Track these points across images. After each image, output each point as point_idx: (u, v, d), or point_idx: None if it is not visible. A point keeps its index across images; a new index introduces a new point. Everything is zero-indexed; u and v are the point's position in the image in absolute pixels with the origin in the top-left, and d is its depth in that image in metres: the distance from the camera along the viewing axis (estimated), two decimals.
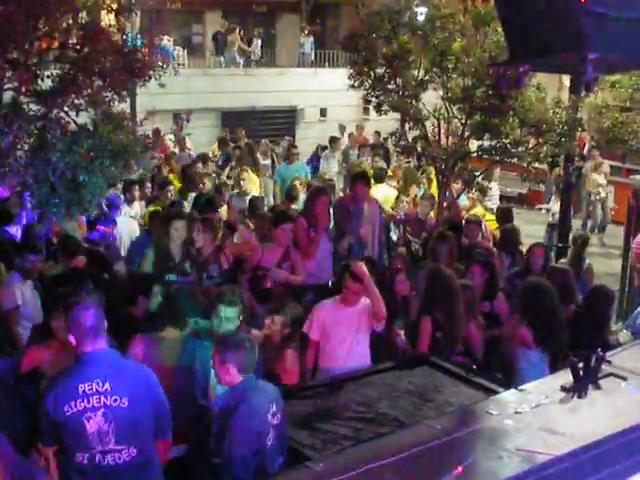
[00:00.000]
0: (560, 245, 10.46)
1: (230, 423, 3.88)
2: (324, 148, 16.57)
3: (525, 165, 9.59)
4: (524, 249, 8.32)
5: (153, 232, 7.88)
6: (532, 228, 13.21)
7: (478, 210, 10.48)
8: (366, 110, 20.10)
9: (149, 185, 10.89)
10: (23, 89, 6.85)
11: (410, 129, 10.17)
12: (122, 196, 9.90)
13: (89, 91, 7.01)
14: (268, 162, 15.02)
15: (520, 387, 3.41)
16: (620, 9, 5.57)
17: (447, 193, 10.13)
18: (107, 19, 7.89)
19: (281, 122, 22.43)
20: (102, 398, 3.88)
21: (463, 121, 9.59)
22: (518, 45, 6.86)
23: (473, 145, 10.48)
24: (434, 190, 11.07)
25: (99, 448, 3.88)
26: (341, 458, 3.26)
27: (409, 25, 9.66)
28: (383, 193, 11.17)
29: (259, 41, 24.38)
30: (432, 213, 9.92)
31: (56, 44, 7.23)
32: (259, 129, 20.27)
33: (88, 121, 7.06)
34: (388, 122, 13.01)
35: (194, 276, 6.99)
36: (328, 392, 5.27)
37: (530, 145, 9.42)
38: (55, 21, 7.08)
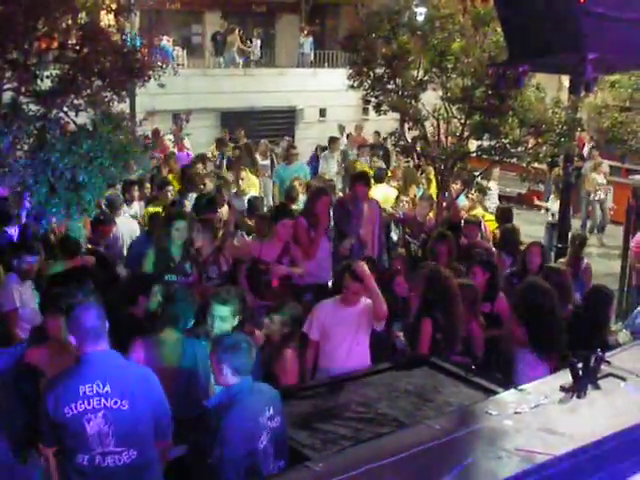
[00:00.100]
0: (560, 245, 10.47)
1: (221, 424, 3.86)
2: (324, 148, 16.56)
3: (524, 165, 9.60)
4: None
5: (153, 233, 7.88)
6: (532, 228, 13.22)
7: (478, 211, 10.49)
8: (365, 110, 20.10)
9: (148, 185, 10.89)
10: (23, 89, 6.85)
11: (409, 129, 10.18)
12: (121, 196, 9.90)
13: (88, 91, 7.02)
14: (267, 162, 15.02)
15: (519, 387, 3.41)
16: (620, 9, 5.57)
17: (446, 193, 10.14)
18: (106, 19, 7.88)
19: (280, 122, 22.43)
20: (102, 400, 3.88)
21: (462, 121, 9.60)
22: (517, 45, 6.85)
23: (472, 145, 10.49)
24: (433, 190, 11.07)
25: (99, 450, 3.88)
26: (341, 458, 3.26)
27: (408, 25, 9.66)
28: (383, 193, 11.18)
29: (258, 41, 24.37)
30: (431, 214, 9.92)
31: (55, 44, 7.23)
32: (258, 129, 20.27)
33: (87, 121, 7.05)
34: (387, 122, 13.01)
35: (194, 277, 6.99)
36: (328, 392, 5.27)
37: (529, 145, 9.43)
38: (55, 21, 7.08)
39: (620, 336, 7.14)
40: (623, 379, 3.35)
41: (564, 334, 5.94)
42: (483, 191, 10.90)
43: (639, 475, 2.83)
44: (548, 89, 9.99)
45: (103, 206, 8.92)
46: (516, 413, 3.09)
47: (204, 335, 5.11)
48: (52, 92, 6.94)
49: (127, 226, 9.09)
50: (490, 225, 9.90)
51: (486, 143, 9.73)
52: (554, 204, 12.31)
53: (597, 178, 14.93)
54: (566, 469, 2.71)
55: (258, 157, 15.10)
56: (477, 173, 10.35)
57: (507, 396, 3.45)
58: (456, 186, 10.41)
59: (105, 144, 6.74)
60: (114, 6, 7.92)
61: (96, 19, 7.72)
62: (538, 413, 3.08)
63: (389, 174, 13.09)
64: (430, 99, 9.92)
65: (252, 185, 12.07)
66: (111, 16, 7.88)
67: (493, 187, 12.58)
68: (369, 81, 9.76)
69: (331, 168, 15.67)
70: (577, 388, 3.22)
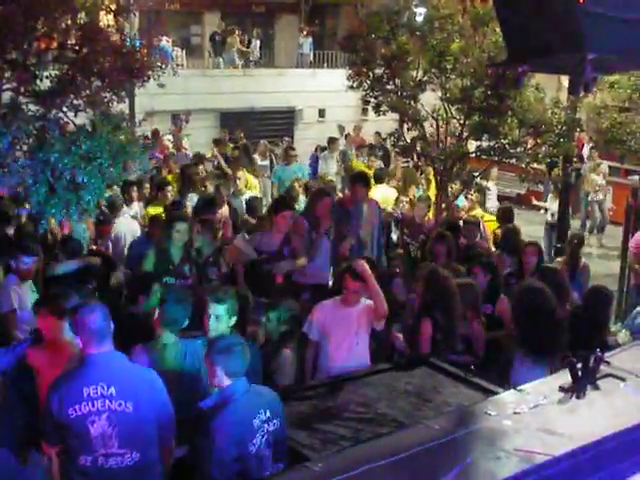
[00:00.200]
0: (559, 245, 10.47)
1: (211, 425, 3.85)
2: (323, 149, 16.58)
3: (524, 165, 9.61)
4: None
5: (153, 234, 7.87)
6: (531, 228, 13.21)
7: (477, 211, 10.49)
8: (365, 111, 20.10)
9: (147, 186, 10.89)
10: (22, 89, 6.85)
11: (409, 130, 10.19)
12: (121, 197, 9.90)
13: (88, 92, 7.02)
14: (267, 163, 15.04)
15: (519, 387, 3.41)
16: (619, 9, 5.57)
17: (447, 193, 10.15)
18: (106, 20, 7.88)
19: (280, 123, 22.44)
20: (107, 402, 3.88)
21: (462, 121, 9.61)
22: (516, 45, 6.85)
23: (472, 146, 10.49)
24: (433, 191, 11.08)
25: (102, 451, 3.88)
26: (340, 458, 3.26)
27: (408, 26, 9.67)
28: (383, 194, 11.18)
29: (257, 42, 24.38)
30: (430, 214, 9.93)
31: (55, 44, 7.23)
32: (258, 130, 20.27)
33: (87, 122, 7.06)
34: (387, 123, 13.02)
35: (193, 279, 6.98)
36: (327, 392, 5.27)
37: (528, 145, 9.44)
38: (54, 21, 7.08)
39: (619, 336, 7.14)
40: (622, 379, 3.35)
41: (563, 337, 5.91)
42: (482, 191, 10.90)
43: (638, 475, 2.83)
44: (547, 89, 10.00)
45: (103, 207, 8.92)
46: (515, 413, 3.09)
47: (203, 336, 5.10)
48: (51, 92, 6.94)
49: (129, 227, 9.09)
50: (490, 226, 9.89)
51: (485, 143, 9.74)
52: (553, 204, 12.31)
53: (596, 179, 14.94)
54: (565, 469, 2.71)
55: (257, 157, 15.12)
56: (476, 174, 10.35)
57: (506, 396, 3.45)
58: (455, 186, 10.41)
59: (104, 144, 6.75)
60: (113, 6, 7.93)
61: (95, 19, 7.73)
62: (537, 413, 3.08)
63: (389, 174, 13.10)
64: (429, 99, 9.92)
65: (252, 186, 12.08)
66: (110, 16, 7.88)
67: (492, 187, 12.59)
68: (368, 81, 9.77)
69: (330, 168, 15.68)
70: (576, 388, 3.22)
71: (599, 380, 3.31)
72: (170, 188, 10.24)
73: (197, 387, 4.77)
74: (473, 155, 10.23)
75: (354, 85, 9.93)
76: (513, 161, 9.76)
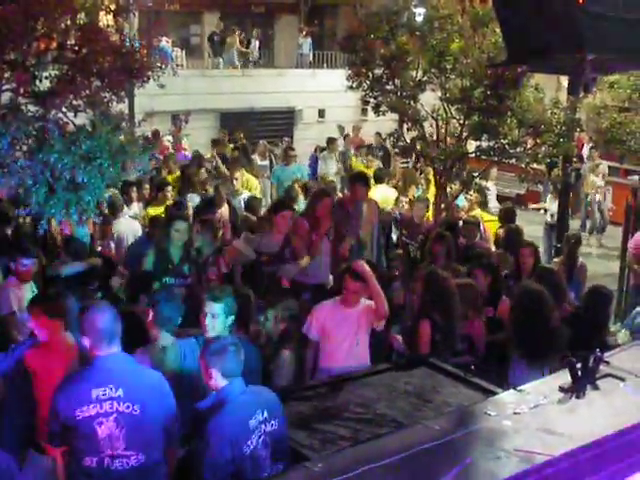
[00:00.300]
0: (558, 245, 10.47)
1: (206, 426, 3.84)
2: (322, 149, 16.59)
3: (523, 166, 9.61)
4: None
5: (153, 235, 7.88)
6: (531, 228, 13.18)
7: (476, 212, 10.49)
8: (364, 111, 20.11)
9: (147, 187, 10.90)
10: (21, 90, 6.84)
11: (408, 130, 10.19)
12: (120, 197, 9.90)
13: (87, 92, 7.01)
14: (266, 163, 15.05)
15: (518, 388, 3.41)
16: (618, 9, 5.57)
17: (446, 194, 10.15)
18: (105, 20, 7.88)
19: (279, 123, 22.44)
20: (115, 404, 3.87)
21: (461, 122, 9.61)
22: (516, 46, 6.87)
23: (471, 146, 10.49)
24: (432, 191, 11.08)
25: (108, 452, 3.88)
26: (339, 459, 3.25)
27: (407, 26, 9.68)
28: (382, 194, 11.18)
29: (257, 42, 24.39)
30: (430, 214, 9.93)
31: (54, 45, 7.22)
32: (257, 130, 20.27)
33: (86, 122, 7.05)
34: (386, 123, 13.02)
35: (192, 279, 6.98)
36: (327, 392, 5.26)
37: (528, 146, 9.44)
38: (53, 22, 7.07)
39: (619, 336, 7.14)
40: (622, 379, 3.35)
41: (558, 341, 5.88)
42: (482, 192, 10.90)
43: (638, 475, 2.83)
44: (547, 89, 10.01)
45: (104, 208, 8.91)
46: (515, 413, 3.09)
47: (198, 334, 5.10)
48: (51, 93, 6.93)
49: (131, 227, 9.11)
50: (490, 226, 9.89)
51: (485, 144, 9.74)
52: (552, 205, 12.31)
53: (595, 180, 14.94)
54: (565, 469, 2.71)
55: (257, 158, 15.12)
56: (476, 174, 10.35)
57: (506, 397, 3.45)
58: (455, 187, 10.41)
59: (104, 145, 6.75)
60: (113, 7, 7.92)
61: (95, 20, 7.72)
62: (537, 413, 3.08)
63: (389, 174, 13.11)
64: (429, 100, 9.93)
65: (253, 187, 12.08)
66: (110, 17, 7.88)
67: (491, 187, 12.58)
68: (368, 82, 9.77)
69: (329, 169, 15.69)
70: (576, 388, 3.22)
71: (599, 380, 3.31)
72: (170, 188, 10.25)
73: (197, 387, 4.77)
74: (473, 155, 10.23)
75: (354, 85, 9.94)
76: (513, 161, 9.75)
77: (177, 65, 18.90)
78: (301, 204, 10.00)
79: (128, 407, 3.89)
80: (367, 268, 5.82)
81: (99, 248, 8.15)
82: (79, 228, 8.03)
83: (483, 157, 10.17)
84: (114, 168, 6.88)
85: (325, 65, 23.97)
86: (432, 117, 9.77)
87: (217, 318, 4.93)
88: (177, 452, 4.25)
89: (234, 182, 11.31)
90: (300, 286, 7.32)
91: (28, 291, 6.30)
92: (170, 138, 15.96)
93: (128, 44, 7.51)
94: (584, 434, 2.88)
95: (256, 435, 3.96)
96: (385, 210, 10.10)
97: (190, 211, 9.36)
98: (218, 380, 3.99)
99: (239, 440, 3.87)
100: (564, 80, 11.49)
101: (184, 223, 7.09)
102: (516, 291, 6.44)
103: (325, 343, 5.87)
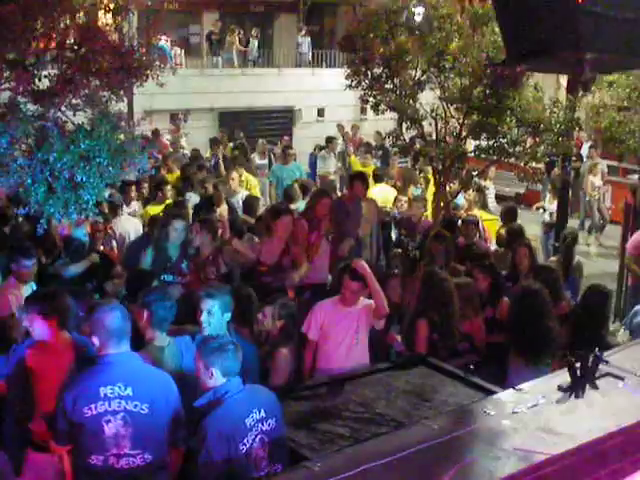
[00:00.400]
0: (557, 244, 10.47)
1: (202, 424, 3.84)
2: (322, 148, 16.60)
3: (522, 165, 9.61)
4: None
5: (153, 234, 7.87)
6: (530, 228, 13.20)
7: (475, 211, 10.48)
8: (363, 110, 20.12)
9: (146, 186, 10.89)
10: (20, 89, 6.83)
11: (407, 129, 10.19)
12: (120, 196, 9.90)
13: (86, 91, 7.00)
14: (265, 162, 15.05)
15: (517, 387, 3.41)
16: (617, 9, 5.58)
17: (446, 193, 10.15)
18: (104, 19, 7.87)
19: (279, 122, 22.44)
20: (123, 402, 3.88)
21: (460, 121, 9.61)
22: (515, 45, 6.87)
23: (470, 145, 10.49)
24: (431, 190, 11.08)
25: (114, 451, 3.88)
26: (339, 458, 3.26)
27: (406, 25, 9.66)
28: (382, 193, 11.18)
29: (256, 41, 24.38)
30: (429, 213, 9.93)
31: (53, 44, 7.21)
32: (256, 129, 20.28)
33: (86, 121, 7.05)
34: (385, 122, 13.03)
35: (191, 277, 6.98)
36: (325, 392, 5.27)
37: (527, 145, 9.43)
38: (53, 21, 7.06)
39: (618, 335, 7.15)
40: (621, 378, 3.36)
41: (554, 343, 5.88)
42: (481, 191, 10.89)
43: (637, 474, 2.83)
44: (546, 89, 10.01)
45: (104, 207, 8.90)
46: (514, 413, 3.09)
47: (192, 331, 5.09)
48: (50, 92, 6.93)
49: (132, 225, 9.11)
50: (490, 225, 9.89)
51: (484, 143, 9.73)
52: (551, 204, 12.31)
53: (594, 180, 14.94)
54: (564, 468, 2.71)
55: (256, 157, 15.12)
56: (475, 173, 10.35)
57: (505, 396, 3.46)
58: (454, 186, 10.41)
59: (103, 144, 6.73)
60: (112, 6, 7.91)
61: (94, 19, 7.71)
62: (536, 413, 3.08)
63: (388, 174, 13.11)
64: (428, 99, 9.93)
65: (252, 186, 12.08)
66: (109, 16, 7.86)
67: (489, 186, 12.57)
68: (367, 81, 9.76)
69: (328, 168, 15.69)
70: (575, 388, 3.22)
71: (598, 379, 3.32)
72: (169, 187, 10.25)
73: (195, 385, 4.77)
74: (472, 154, 10.23)
75: (353, 84, 9.93)
76: (512, 160, 9.75)
77: (176, 64, 18.90)
78: (299, 203, 9.98)
79: (136, 406, 3.90)
80: (367, 267, 5.82)
81: (101, 247, 8.12)
82: (77, 229, 8.01)
83: (482, 156, 10.16)
84: (113, 167, 6.87)
85: (324, 64, 23.95)
86: (431, 116, 9.77)
87: (213, 315, 4.93)
88: (182, 452, 4.24)
89: (230, 182, 11.30)
90: (300, 286, 7.32)
91: (28, 292, 6.25)
92: (169, 137, 15.96)
93: (127, 43, 7.51)
94: (583, 433, 2.88)
95: (253, 434, 3.95)
96: (384, 209, 10.09)
97: (189, 210, 9.36)
98: (216, 379, 3.99)
99: (235, 438, 3.87)
100: (563, 79, 11.51)
101: (182, 222, 7.08)
102: (515, 291, 6.45)
103: (324, 342, 5.87)
